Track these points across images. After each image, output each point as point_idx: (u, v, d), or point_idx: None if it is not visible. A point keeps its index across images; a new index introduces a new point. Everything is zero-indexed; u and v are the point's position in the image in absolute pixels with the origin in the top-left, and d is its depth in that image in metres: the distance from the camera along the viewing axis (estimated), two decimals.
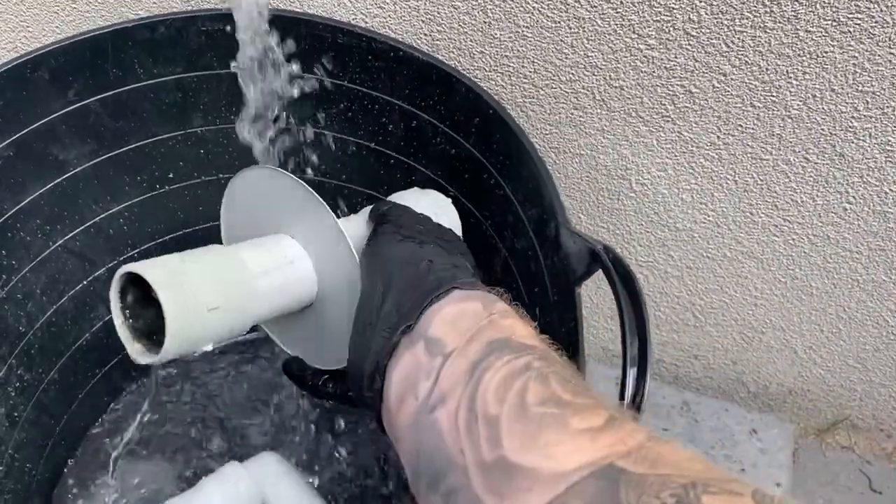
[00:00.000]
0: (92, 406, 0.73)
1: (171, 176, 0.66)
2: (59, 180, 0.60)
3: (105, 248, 0.66)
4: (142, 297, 0.39)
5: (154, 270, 0.37)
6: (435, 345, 0.35)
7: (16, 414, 0.63)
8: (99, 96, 0.59)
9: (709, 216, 0.65)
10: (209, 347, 0.40)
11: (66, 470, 0.71)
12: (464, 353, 0.34)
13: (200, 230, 0.70)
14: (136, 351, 0.39)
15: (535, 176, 0.51)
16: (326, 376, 0.48)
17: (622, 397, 0.40)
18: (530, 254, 0.54)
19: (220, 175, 0.67)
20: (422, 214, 0.46)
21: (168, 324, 0.37)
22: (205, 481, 0.64)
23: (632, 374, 0.40)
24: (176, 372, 0.77)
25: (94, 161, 0.61)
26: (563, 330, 0.48)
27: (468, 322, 0.36)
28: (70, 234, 0.63)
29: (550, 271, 0.50)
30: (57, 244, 0.62)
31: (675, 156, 0.61)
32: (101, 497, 0.70)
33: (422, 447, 0.33)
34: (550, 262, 0.50)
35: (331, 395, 0.48)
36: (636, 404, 0.39)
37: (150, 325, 0.39)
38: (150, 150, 0.63)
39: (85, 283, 0.66)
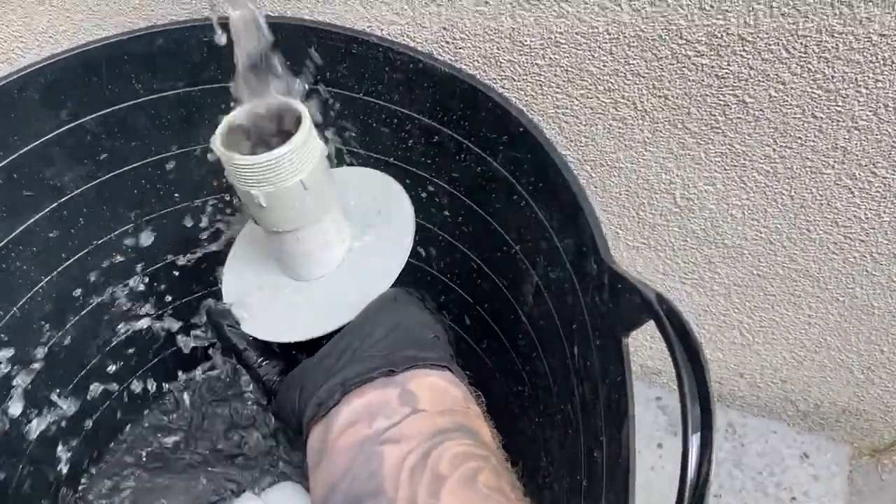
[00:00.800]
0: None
1: (177, 196, 0.62)
2: (55, 205, 0.56)
3: (110, 273, 0.62)
4: None
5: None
6: (409, 398, 0.37)
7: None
8: (94, 115, 0.54)
9: (760, 233, 0.59)
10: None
11: None
12: (433, 418, 0.36)
13: (211, 252, 0.66)
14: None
15: (571, 204, 0.46)
16: (264, 358, 0.47)
17: (684, 469, 0.35)
18: (567, 287, 0.48)
19: (222, 195, 0.63)
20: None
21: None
22: None
23: (694, 441, 0.35)
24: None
25: (93, 183, 0.57)
26: (606, 381, 0.43)
27: (448, 400, 0.38)
28: (72, 259, 0.59)
29: (591, 310, 0.45)
30: (55, 271, 0.58)
31: (725, 169, 0.55)
32: None
33: (353, 469, 0.35)
34: (591, 301, 0.45)
35: (255, 375, 0.46)
36: (701, 479, 0.34)
37: None
38: (153, 169, 0.59)
39: (88, 309, 0.63)
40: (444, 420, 0.36)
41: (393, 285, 0.49)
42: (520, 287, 0.56)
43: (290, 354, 0.48)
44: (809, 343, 0.67)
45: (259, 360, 0.46)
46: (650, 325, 0.72)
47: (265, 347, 0.47)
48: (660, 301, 0.38)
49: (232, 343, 0.46)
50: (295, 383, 0.41)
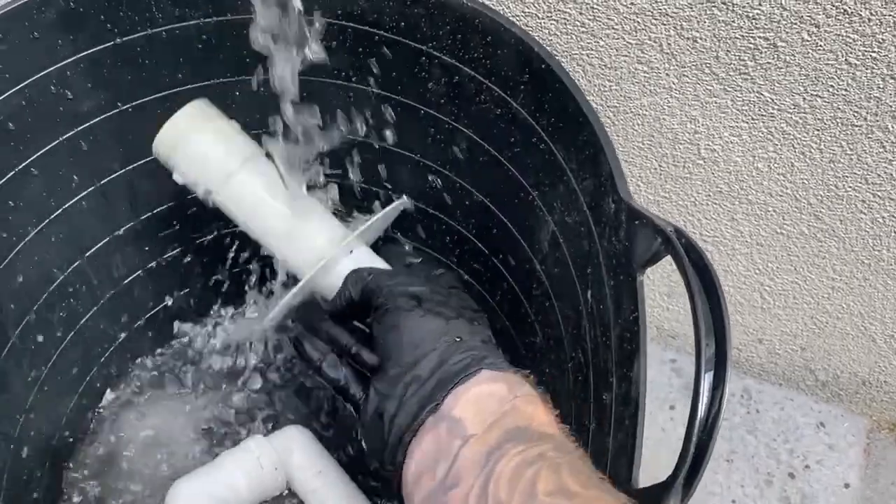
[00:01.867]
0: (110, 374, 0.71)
1: None
2: (71, 133, 0.56)
3: (123, 206, 0.62)
4: None
5: None
6: (456, 425, 0.37)
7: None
8: (113, 42, 0.54)
9: (786, 188, 0.57)
10: None
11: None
12: (482, 439, 0.35)
13: None
14: None
15: (591, 143, 0.44)
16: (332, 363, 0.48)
17: (694, 407, 0.34)
18: (583, 230, 0.47)
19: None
20: (426, 279, 0.48)
21: None
22: (225, 455, 0.61)
23: (707, 380, 0.34)
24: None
25: (110, 113, 0.57)
26: (619, 321, 0.42)
27: (492, 405, 0.37)
28: (87, 191, 0.59)
29: (607, 253, 0.44)
30: (72, 201, 0.58)
31: (753, 119, 0.54)
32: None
33: None
34: (608, 243, 0.44)
35: (336, 386, 0.47)
36: (711, 416, 0.33)
37: None
38: (171, 102, 0.58)
39: (104, 242, 0.63)
40: (493, 435, 0.36)
41: (424, 261, 0.55)
42: (535, 235, 0.55)
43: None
44: (832, 308, 0.65)
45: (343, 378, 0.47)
46: (666, 283, 0.71)
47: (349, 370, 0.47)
48: (678, 236, 0.37)
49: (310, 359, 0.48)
50: (369, 434, 0.43)
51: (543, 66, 0.47)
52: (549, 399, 0.39)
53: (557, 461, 0.33)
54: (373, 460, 0.43)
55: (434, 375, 0.39)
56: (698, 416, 0.34)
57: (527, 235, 0.56)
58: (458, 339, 0.41)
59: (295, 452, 0.62)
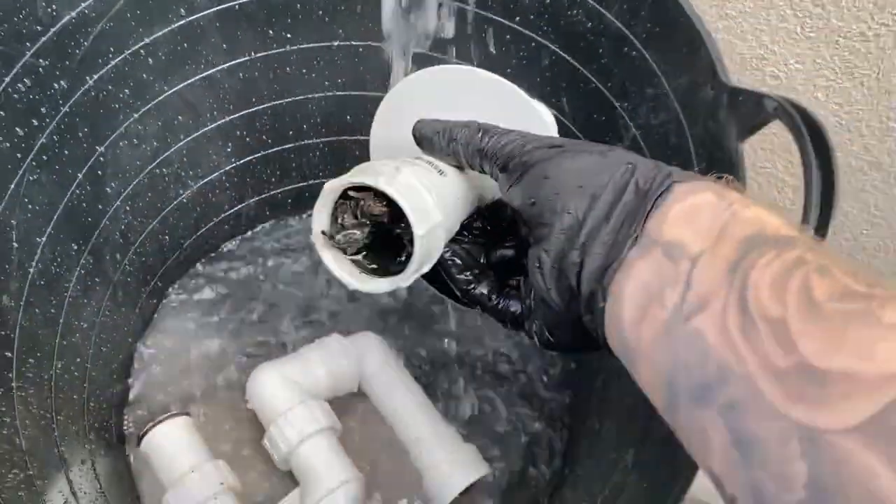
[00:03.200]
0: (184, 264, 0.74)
1: (287, 36, 0.65)
2: (182, 22, 0.59)
3: (216, 103, 0.65)
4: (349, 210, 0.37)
5: (394, 187, 0.34)
6: (675, 248, 0.31)
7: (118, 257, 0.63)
8: None
9: (841, 119, 0.62)
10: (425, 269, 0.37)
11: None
12: (715, 253, 0.29)
13: (312, 99, 0.69)
14: (356, 277, 0.37)
15: (690, 39, 0.49)
16: (474, 280, 0.42)
17: None
18: (671, 127, 0.52)
19: (338, 43, 0.66)
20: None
21: (417, 246, 0.35)
22: (308, 348, 0.64)
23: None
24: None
25: (220, 7, 0.60)
26: None
27: (707, 219, 0.31)
28: (186, 82, 0.62)
29: (699, 139, 0.48)
30: (173, 90, 0.61)
31: (818, 46, 0.58)
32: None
33: (678, 359, 0.29)
34: (701, 130, 0.48)
35: (485, 305, 0.42)
36: None
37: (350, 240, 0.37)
38: (275, 3, 0.62)
39: (192, 136, 0.66)
40: (727, 247, 0.29)
41: None
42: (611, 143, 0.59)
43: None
44: (870, 245, 0.70)
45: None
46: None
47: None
48: (784, 100, 0.41)
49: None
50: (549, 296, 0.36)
51: None
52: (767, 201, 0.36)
53: (823, 263, 0.26)
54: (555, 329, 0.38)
55: (618, 206, 0.33)
56: None
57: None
58: (628, 164, 0.34)
59: (368, 354, 0.65)
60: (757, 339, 0.26)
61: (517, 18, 0.61)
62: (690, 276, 0.29)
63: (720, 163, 0.45)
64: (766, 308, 0.26)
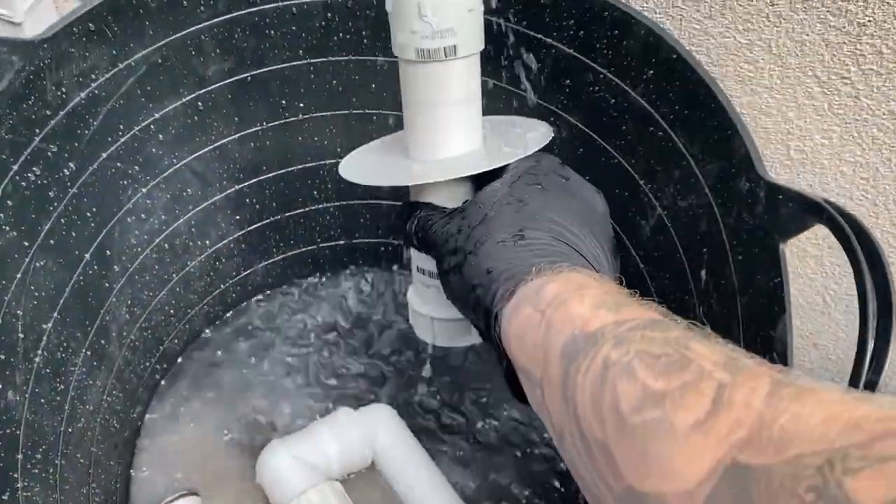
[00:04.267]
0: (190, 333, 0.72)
1: (300, 105, 0.63)
2: (193, 96, 0.57)
3: (225, 173, 0.64)
4: None
5: None
6: (529, 375, 0.35)
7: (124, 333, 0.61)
8: (246, 10, 0.56)
9: (867, 193, 0.61)
10: None
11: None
12: (550, 379, 0.32)
13: (324, 165, 0.67)
14: None
15: (724, 126, 0.47)
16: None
17: (857, 374, 0.35)
18: (701, 212, 0.50)
19: (352, 111, 0.64)
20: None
21: None
22: (318, 423, 0.62)
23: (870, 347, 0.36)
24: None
25: (231, 80, 0.58)
26: (749, 290, 0.45)
27: (531, 341, 0.34)
28: (196, 154, 0.60)
29: (733, 230, 0.47)
30: (182, 162, 0.59)
31: (846, 123, 0.57)
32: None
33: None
34: (734, 221, 0.47)
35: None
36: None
37: None
38: (289, 75, 0.60)
39: (200, 207, 0.64)
40: (553, 367, 0.33)
41: None
42: (635, 222, 0.58)
43: None
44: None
45: None
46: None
47: None
48: (828, 204, 0.40)
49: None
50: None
51: (674, 56, 0.50)
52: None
53: (625, 360, 0.28)
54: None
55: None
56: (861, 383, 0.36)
57: (626, 225, 0.59)
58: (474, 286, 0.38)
59: (380, 429, 0.63)
60: (597, 464, 0.28)
61: (535, 94, 0.60)
62: (547, 405, 0.32)
63: (760, 262, 0.44)
64: (593, 431, 0.28)
